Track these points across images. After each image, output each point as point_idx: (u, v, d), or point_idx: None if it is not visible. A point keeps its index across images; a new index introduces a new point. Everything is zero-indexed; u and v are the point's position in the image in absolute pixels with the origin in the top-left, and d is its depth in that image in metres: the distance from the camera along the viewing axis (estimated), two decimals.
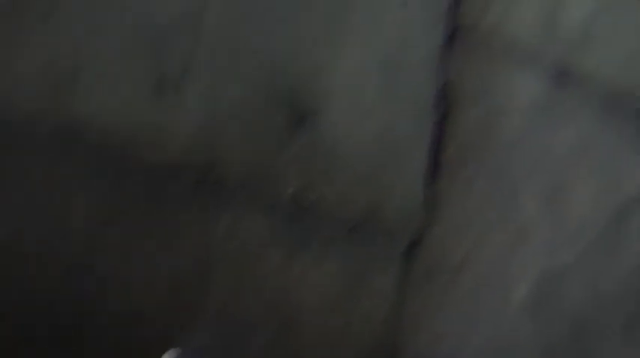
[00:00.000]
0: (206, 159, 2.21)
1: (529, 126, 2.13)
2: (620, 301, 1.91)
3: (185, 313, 2.19)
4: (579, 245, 1.98)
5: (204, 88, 2.24)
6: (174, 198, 2.18)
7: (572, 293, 1.97)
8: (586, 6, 2.03)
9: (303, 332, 2.22)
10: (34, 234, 2.17)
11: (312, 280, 2.21)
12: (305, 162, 2.21)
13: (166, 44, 2.23)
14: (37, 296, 2.16)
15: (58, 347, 2.18)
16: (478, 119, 2.21)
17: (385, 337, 2.23)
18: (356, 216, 2.21)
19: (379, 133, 2.24)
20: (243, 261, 2.19)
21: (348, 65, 2.26)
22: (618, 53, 1.98)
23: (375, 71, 2.27)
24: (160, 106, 2.22)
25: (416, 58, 2.26)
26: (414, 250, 2.21)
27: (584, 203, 2.00)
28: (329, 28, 2.26)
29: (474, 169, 2.17)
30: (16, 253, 2.16)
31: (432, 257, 2.19)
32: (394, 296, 2.22)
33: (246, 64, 2.25)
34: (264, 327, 2.20)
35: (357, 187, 2.21)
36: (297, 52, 2.26)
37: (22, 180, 2.15)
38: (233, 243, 2.18)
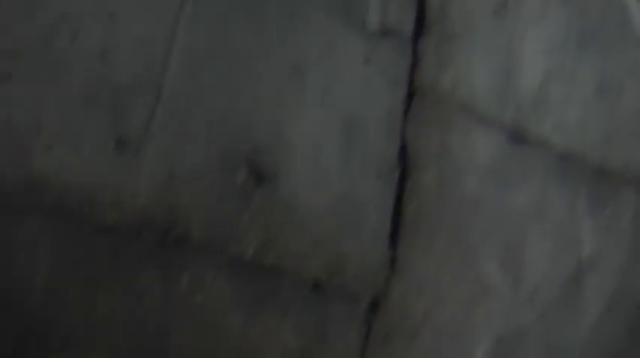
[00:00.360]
0: (167, 218, 2.21)
1: (486, 187, 2.16)
2: None
3: None
4: (538, 305, 2.01)
5: (164, 148, 2.25)
6: (136, 257, 2.19)
7: (532, 352, 2.00)
8: (539, 71, 2.08)
9: None
10: None
11: (274, 339, 2.21)
12: (265, 221, 2.22)
13: (127, 103, 2.25)
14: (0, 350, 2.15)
15: None
16: (437, 179, 2.25)
17: None
18: (317, 275, 2.23)
19: (339, 193, 2.26)
20: (205, 319, 2.19)
21: (309, 124, 2.29)
22: (571, 117, 2.04)
23: (336, 130, 2.30)
24: (121, 165, 2.23)
25: (376, 117, 2.30)
26: (375, 310, 2.23)
27: (542, 263, 2.03)
28: (289, 87, 2.29)
29: (434, 229, 2.20)
30: None
31: (393, 317, 2.21)
32: (355, 356, 2.23)
33: (206, 124, 2.27)
34: None
35: (317, 247, 2.23)
36: (257, 111, 2.29)
37: None
38: (194, 301, 2.19)
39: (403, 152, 2.26)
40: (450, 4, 2.21)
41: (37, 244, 2.13)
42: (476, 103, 2.14)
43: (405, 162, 2.26)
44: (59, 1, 2.22)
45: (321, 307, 2.21)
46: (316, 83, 2.25)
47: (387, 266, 2.24)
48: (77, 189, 2.18)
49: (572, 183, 2.05)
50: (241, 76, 2.27)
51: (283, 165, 2.25)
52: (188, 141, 2.24)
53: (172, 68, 2.24)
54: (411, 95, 2.25)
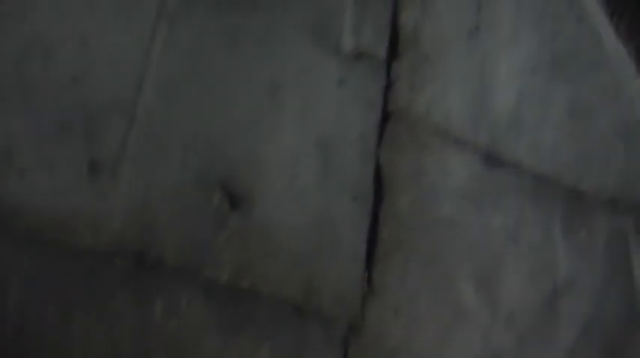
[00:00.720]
0: (141, 242, 2.21)
1: (462, 210, 2.17)
2: None
3: None
4: (514, 329, 2.02)
5: (138, 171, 2.25)
6: (110, 281, 2.18)
7: None
8: (513, 93, 2.09)
9: None
10: None
11: None
12: (240, 245, 2.22)
13: (101, 127, 2.24)
14: None
15: None
16: (412, 202, 2.25)
17: None
18: (293, 299, 2.22)
19: (315, 216, 2.26)
20: (180, 344, 2.18)
21: (284, 146, 2.29)
22: (545, 139, 2.05)
23: (311, 152, 2.30)
24: (95, 189, 2.22)
25: (351, 139, 2.30)
26: (352, 333, 2.23)
27: (518, 286, 2.04)
28: (265, 109, 2.29)
29: (410, 252, 2.20)
30: None
31: (370, 340, 2.21)
32: None
33: (181, 146, 2.26)
34: None
35: (293, 271, 2.22)
36: (232, 133, 2.29)
37: None
38: (170, 325, 2.18)
39: (378, 174, 2.26)
40: (423, 28, 2.21)
41: (11, 269, 2.12)
42: (450, 126, 2.15)
43: (380, 184, 2.26)
44: (31, 25, 2.21)
45: (298, 330, 2.21)
46: (291, 105, 2.26)
47: (363, 288, 2.24)
48: (51, 214, 2.17)
49: (547, 205, 2.06)
50: (217, 98, 2.27)
51: (259, 187, 2.25)
52: (163, 164, 2.24)
53: (146, 91, 2.24)
54: (385, 117, 2.26)
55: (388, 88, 2.27)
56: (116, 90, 2.24)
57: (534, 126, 2.03)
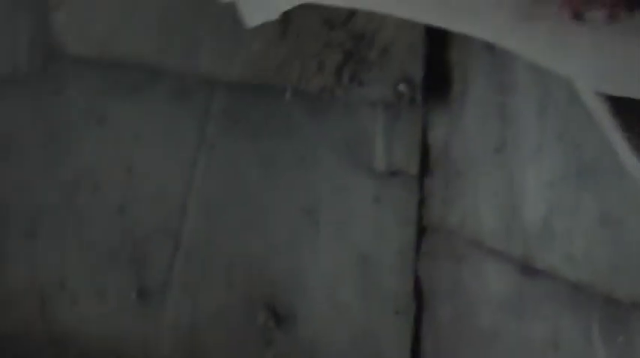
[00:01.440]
0: None
1: (501, 319, 2.19)
2: None
3: None
4: None
5: (185, 295, 2.32)
6: None
7: None
8: (542, 204, 2.12)
9: None
10: None
11: None
12: None
13: (147, 254, 2.33)
14: None
15: None
16: (451, 313, 2.28)
17: None
18: None
19: (359, 329, 2.30)
20: None
21: (324, 263, 2.34)
22: (577, 248, 2.07)
23: (351, 268, 2.35)
24: (143, 316, 2.30)
25: (390, 254, 2.34)
26: None
27: None
28: (303, 229, 2.35)
29: None
30: None
31: None
32: None
33: (223, 269, 2.34)
34: None
35: None
36: (273, 253, 2.35)
37: None
38: None
39: (418, 287, 2.29)
40: (452, 144, 2.26)
41: None
42: (484, 238, 2.18)
43: (420, 297, 2.29)
44: (78, 158, 2.32)
45: None
46: (329, 224, 2.32)
47: None
48: (101, 342, 2.25)
49: (584, 313, 2.07)
50: (256, 221, 2.34)
51: (302, 305, 2.30)
52: (208, 287, 2.31)
53: (189, 217, 2.32)
54: (421, 231, 2.30)
55: (422, 203, 2.32)
56: (161, 216, 2.33)
57: (566, 235, 2.05)
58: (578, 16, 1.56)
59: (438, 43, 2.24)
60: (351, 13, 2.25)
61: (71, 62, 2.46)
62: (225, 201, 2.40)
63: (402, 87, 2.31)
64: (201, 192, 2.41)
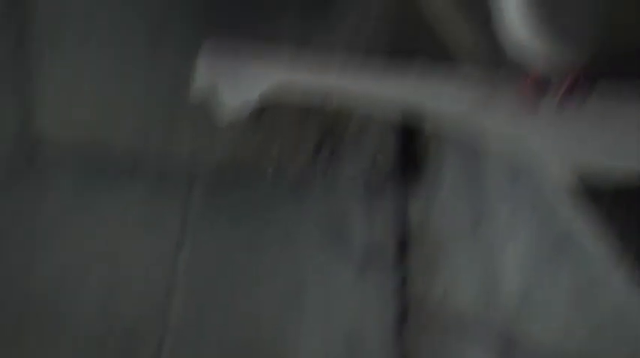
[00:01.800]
0: None
1: None
2: None
3: None
4: None
5: None
6: None
7: None
8: (520, 276, 2.16)
9: None
10: None
11: None
12: None
13: (136, 340, 2.35)
14: None
15: None
16: None
17: None
18: None
19: None
20: None
21: (310, 341, 2.37)
22: (558, 319, 2.10)
23: (337, 345, 2.37)
24: None
25: (375, 331, 2.37)
26: None
27: None
28: (289, 308, 2.38)
29: None
30: None
31: None
32: None
33: (214, 350, 2.36)
34: None
35: None
36: (261, 332, 2.38)
37: None
38: None
39: None
40: (430, 221, 2.31)
41: None
42: (466, 310, 2.21)
43: None
44: (60, 252, 2.35)
45: None
46: (315, 302, 2.35)
47: None
48: None
49: None
50: (243, 300, 2.37)
51: None
52: None
53: (176, 300, 2.35)
54: (405, 306, 2.33)
55: (404, 278, 2.35)
56: (148, 302, 2.35)
57: (544, 304, 2.09)
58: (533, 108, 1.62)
59: (413, 117, 2.28)
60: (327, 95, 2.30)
61: (54, 153, 2.51)
62: (210, 283, 2.44)
63: (379, 158, 2.35)
64: (186, 275, 2.44)
